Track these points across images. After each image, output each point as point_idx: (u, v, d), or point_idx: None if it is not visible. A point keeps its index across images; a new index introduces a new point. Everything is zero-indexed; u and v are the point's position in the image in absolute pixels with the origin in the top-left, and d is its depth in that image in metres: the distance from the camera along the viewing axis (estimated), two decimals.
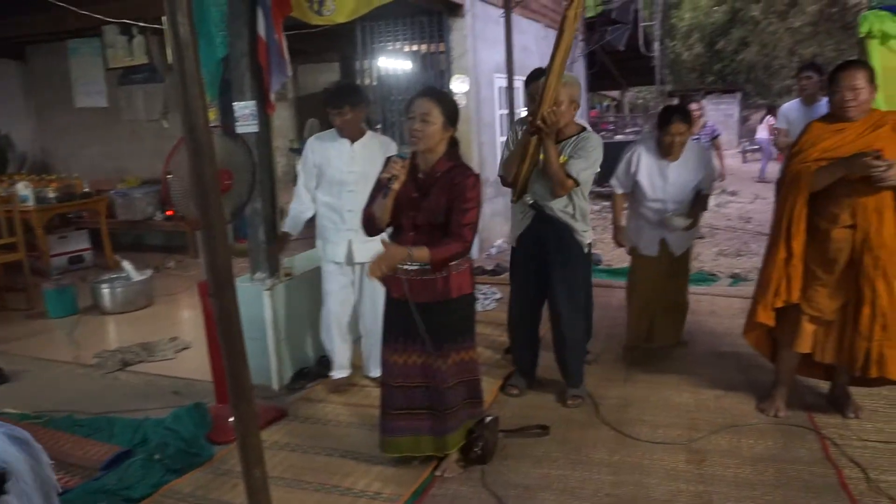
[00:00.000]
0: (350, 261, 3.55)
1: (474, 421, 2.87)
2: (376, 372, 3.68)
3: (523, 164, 3.21)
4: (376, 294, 3.53)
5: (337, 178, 3.50)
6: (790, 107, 5.36)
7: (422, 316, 2.65)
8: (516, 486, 2.72)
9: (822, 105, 5.19)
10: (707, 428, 3.12)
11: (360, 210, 3.36)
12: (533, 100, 3.22)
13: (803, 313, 3.07)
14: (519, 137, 3.31)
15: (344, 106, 3.40)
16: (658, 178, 3.68)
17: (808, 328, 3.08)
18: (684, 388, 3.56)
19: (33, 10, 6.47)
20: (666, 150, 3.65)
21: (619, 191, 3.85)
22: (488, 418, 2.94)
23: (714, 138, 6.91)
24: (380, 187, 2.62)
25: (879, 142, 2.83)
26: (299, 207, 3.63)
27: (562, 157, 3.20)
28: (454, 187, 2.59)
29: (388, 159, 2.64)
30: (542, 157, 3.22)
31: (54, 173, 7.86)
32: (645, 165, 3.70)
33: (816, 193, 2.97)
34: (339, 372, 3.73)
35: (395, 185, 2.56)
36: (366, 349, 3.82)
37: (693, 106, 6.47)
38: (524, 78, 3.76)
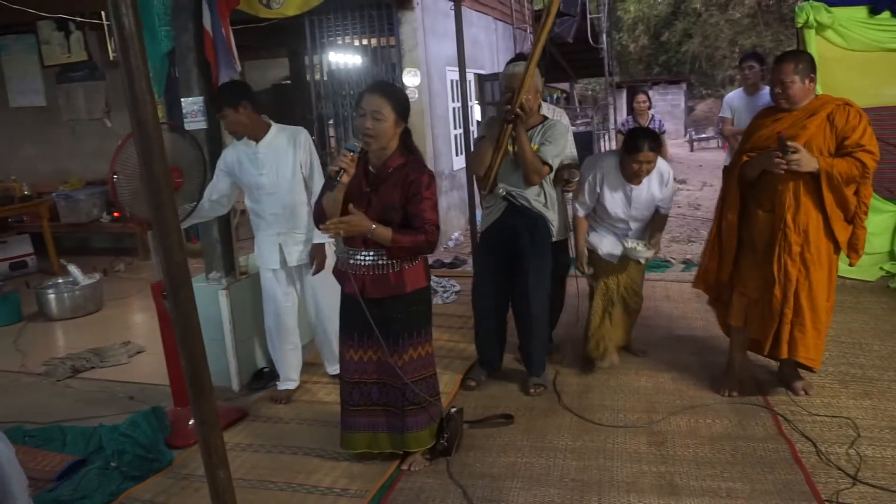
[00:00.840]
0: (283, 264, 3.42)
1: (439, 419, 2.85)
2: (333, 369, 3.64)
3: (497, 154, 3.22)
4: (317, 292, 3.48)
5: (252, 182, 3.33)
6: (733, 96, 5.53)
7: (376, 311, 2.61)
8: (483, 476, 2.74)
9: (765, 94, 5.36)
10: (666, 410, 3.20)
11: (283, 213, 3.31)
12: (509, 90, 3.22)
13: (734, 288, 3.25)
14: (489, 129, 3.30)
15: (223, 109, 3.20)
16: (622, 201, 3.52)
17: (737, 303, 3.25)
18: (642, 373, 3.64)
19: None
20: (632, 176, 3.43)
21: (581, 213, 3.59)
22: (452, 410, 2.95)
23: (660, 133, 6.39)
24: (329, 181, 2.55)
25: (808, 130, 2.94)
26: (199, 205, 3.38)
27: (533, 146, 3.23)
28: (410, 185, 2.55)
29: (338, 151, 2.61)
30: (511, 147, 3.23)
31: None
32: (608, 188, 3.51)
33: (755, 178, 3.10)
34: (285, 384, 3.58)
35: (344, 179, 2.48)
36: (319, 347, 3.77)
37: (640, 97, 6.41)
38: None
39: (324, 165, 3.48)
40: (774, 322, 3.08)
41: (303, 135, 3.39)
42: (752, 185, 3.14)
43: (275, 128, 3.35)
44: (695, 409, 3.19)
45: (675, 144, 19.37)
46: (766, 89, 5.39)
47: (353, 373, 2.75)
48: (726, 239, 3.22)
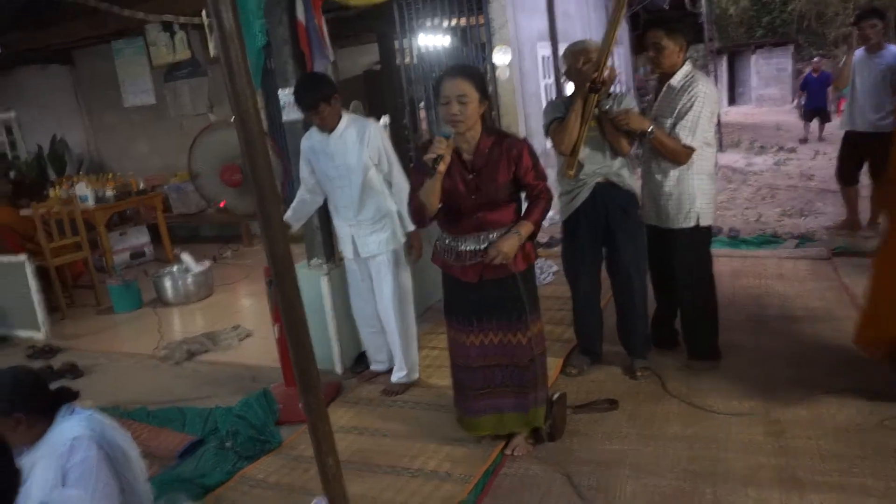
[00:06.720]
0: (356, 255, 3.41)
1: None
2: (377, 365, 3.70)
3: (583, 128, 3.09)
4: (383, 286, 3.42)
5: (326, 173, 3.33)
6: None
7: (495, 293, 2.63)
8: (588, 463, 2.67)
9: (888, 52, 4.92)
10: (783, 398, 2.98)
11: (352, 205, 3.30)
12: (587, 63, 3.10)
13: None
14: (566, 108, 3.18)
15: (319, 105, 3.13)
16: None
17: None
18: (756, 356, 3.42)
19: (76, 15, 6.61)
20: None
21: None
22: (555, 395, 2.89)
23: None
24: (423, 170, 2.51)
25: None
26: (298, 198, 3.49)
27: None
28: (517, 162, 2.55)
29: (429, 140, 2.57)
30: (593, 123, 3.11)
31: (108, 172, 8.09)
32: None
33: None
34: (375, 365, 3.69)
35: (441, 167, 2.45)
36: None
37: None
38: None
39: (415, 149, 3.46)
40: None
41: (371, 128, 3.28)
42: None
43: (346, 119, 3.28)
44: (816, 397, 2.96)
45: (783, 111, 18.19)
46: (891, 47, 4.93)
47: (474, 358, 2.72)
48: None
